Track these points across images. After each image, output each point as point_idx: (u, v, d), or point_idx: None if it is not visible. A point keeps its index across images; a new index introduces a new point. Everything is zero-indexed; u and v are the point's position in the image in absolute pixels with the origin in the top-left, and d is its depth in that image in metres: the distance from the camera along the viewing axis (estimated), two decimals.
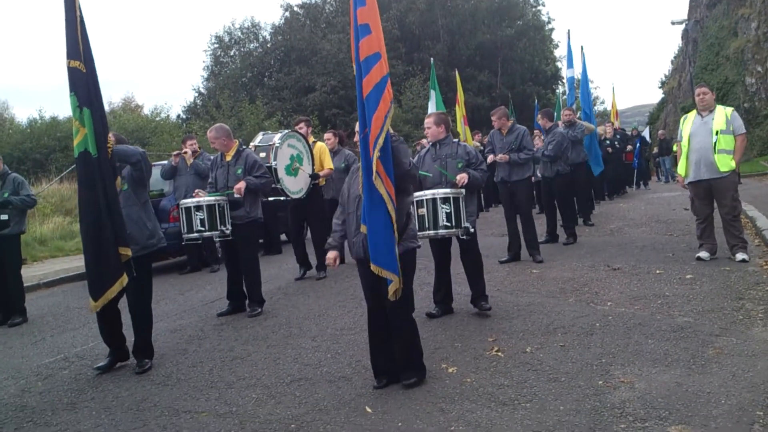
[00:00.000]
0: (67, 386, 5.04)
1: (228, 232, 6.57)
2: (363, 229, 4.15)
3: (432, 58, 15.78)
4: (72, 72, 4.87)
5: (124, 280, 5.01)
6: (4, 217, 7.45)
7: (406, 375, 4.28)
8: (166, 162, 10.18)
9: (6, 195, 7.50)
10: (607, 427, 3.41)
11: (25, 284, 8.28)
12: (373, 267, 4.09)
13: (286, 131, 8.53)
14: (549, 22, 44.36)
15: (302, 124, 8.70)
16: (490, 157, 8.16)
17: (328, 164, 8.61)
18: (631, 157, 19.48)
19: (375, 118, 4.04)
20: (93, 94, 4.96)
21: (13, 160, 26.13)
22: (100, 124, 4.96)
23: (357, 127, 4.44)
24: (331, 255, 4.55)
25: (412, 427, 3.66)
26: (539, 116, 9.85)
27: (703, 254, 7.24)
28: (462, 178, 5.77)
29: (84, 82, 4.91)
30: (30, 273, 11.00)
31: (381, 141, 4.01)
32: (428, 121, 6.10)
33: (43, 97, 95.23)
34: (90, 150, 4.89)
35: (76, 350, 6.07)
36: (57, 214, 16.78)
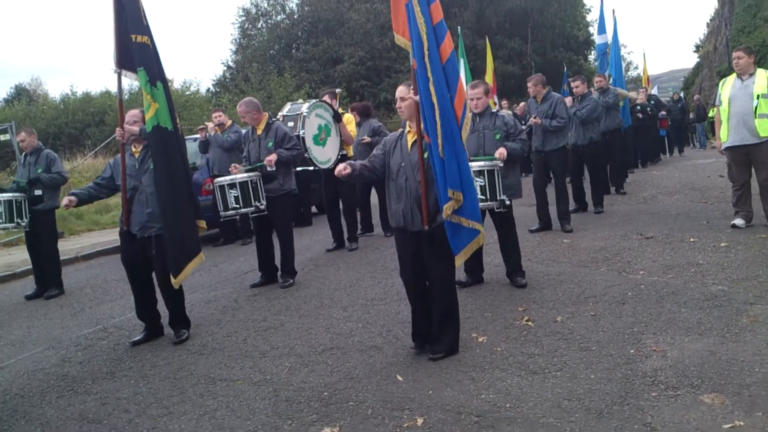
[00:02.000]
0: (106, 356, 5.19)
1: (263, 207, 6.63)
2: (452, 194, 4.05)
3: (459, 27, 15.59)
4: (139, 47, 4.90)
5: (202, 256, 5.18)
6: (38, 192, 7.63)
7: (434, 348, 4.31)
8: (197, 136, 10.41)
9: (39, 171, 7.67)
10: (638, 396, 3.41)
11: (63, 257, 8.49)
12: (474, 225, 4.12)
13: (314, 101, 8.54)
14: None
15: (326, 96, 8.75)
16: (532, 120, 8.13)
17: (354, 133, 8.70)
18: (666, 124, 19.03)
19: (459, 85, 4.14)
20: (161, 69, 5.02)
21: (49, 136, 26.68)
22: (170, 98, 5.04)
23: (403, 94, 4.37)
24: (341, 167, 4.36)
25: (443, 395, 3.71)
26: (578, 81, 9.54)
27: (739, 221, 7.11)
28: (501, 154, 5.65)
29: (151, 57, 4.94)
30: (67, 246, 11.28)
31: (468, 107, 4.14)
32: (477, 92, 5.91)
33: (71, 73, 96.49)
34: (164, 125, 4.95)
35: (114, 321, 6.24)
36: None
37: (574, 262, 6.45)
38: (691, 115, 24.20)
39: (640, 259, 6.28)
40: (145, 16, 4.93)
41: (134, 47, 4.89)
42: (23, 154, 8.00)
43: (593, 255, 6.64)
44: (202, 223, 5.28)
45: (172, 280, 5.14)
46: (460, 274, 6.03)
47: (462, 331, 4.56)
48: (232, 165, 6.85)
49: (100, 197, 5.67)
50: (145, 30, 4.91)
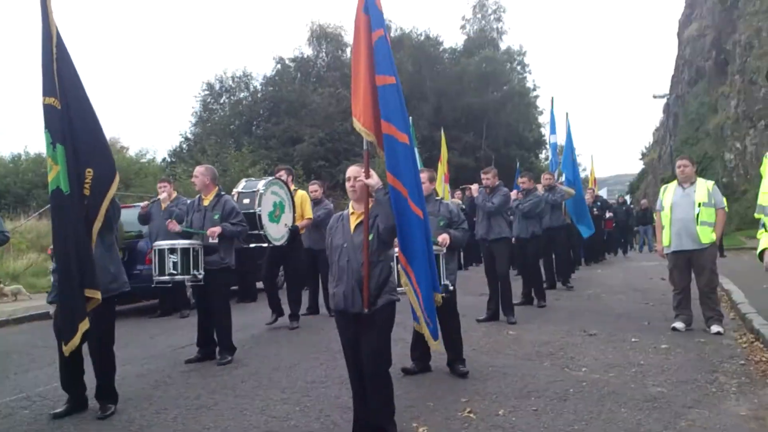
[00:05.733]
0: (26, 426, 4.85)
1: (200, 276, 6.48)
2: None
3: (411, 117, 16.10)
4: (47, 109, 4.78)
5: (86, 325, 4.80)
6: None
7: None
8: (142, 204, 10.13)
9: None
10: None
11: None
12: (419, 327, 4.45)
13: (270, 178, 8.55)
14: (534, 89, 45.36)
15: (282, 172, 8.72)
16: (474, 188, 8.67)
17: (308, 214, 8.67)
18: (611, 225, 19.69)
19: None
20: (69, 131, 4.84)
21: None
22: (74, 161, 4.83)
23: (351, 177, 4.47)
24: None
25: None
26: (525, 178, 9.91)
27: (679, 324, 7.25)
28: (444, 239, 5.74)
29: (58, 119, 4.81)
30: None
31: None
32: (423, 176, 5.93)
33: (26, 134, 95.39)
34: (62, 187, 4.79)
35: (38, 390, 5.88)
36: (32, 250, 16.52)
37: (518, 355, 6.42)
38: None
39: (582, 355, 6.30)
40: (59, 78, 4.83)
41: (43, 109, 4.81)
42: None
43: (537, 349, 6.63)
44: (97, 294, 4.94)
45: (64, 347, 4.82)
46: (407, 362, 5.93)
47: (402, 421, 4.43)
48: (169, 220, 6.67)
49: None
50: (55, 92, 4.83)
